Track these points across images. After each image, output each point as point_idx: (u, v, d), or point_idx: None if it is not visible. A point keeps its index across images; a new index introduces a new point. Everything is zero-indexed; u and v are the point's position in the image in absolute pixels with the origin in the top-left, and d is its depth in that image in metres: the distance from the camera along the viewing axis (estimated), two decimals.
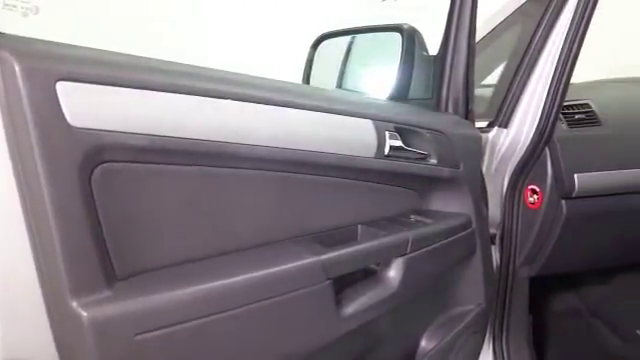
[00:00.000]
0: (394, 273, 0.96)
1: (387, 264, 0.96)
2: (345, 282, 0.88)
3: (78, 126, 0.61)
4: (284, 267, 0.77)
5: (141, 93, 0.66)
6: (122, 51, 0.71)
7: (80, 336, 0.60)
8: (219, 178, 0.77)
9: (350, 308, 0.87)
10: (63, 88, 0.60)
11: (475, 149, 1.23)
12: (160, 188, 0.70)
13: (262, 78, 0.85)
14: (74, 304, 0.60)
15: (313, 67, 1.35)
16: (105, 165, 0.64)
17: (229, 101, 0.75)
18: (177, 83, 0.70)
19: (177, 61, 0.75)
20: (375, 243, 0.92)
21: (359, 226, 0.99)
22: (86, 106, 0.62)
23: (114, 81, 0.64)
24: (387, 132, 0.97)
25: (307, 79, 1.36)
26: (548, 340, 1.86)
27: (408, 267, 0.97)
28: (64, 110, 0.60)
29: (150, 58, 0.73)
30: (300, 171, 0.86)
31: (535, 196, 1.40)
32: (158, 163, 0.69)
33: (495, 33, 1.65)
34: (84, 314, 0.60)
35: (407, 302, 1.01)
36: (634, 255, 1.70)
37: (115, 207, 0.65)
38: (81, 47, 0.67)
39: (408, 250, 0.97)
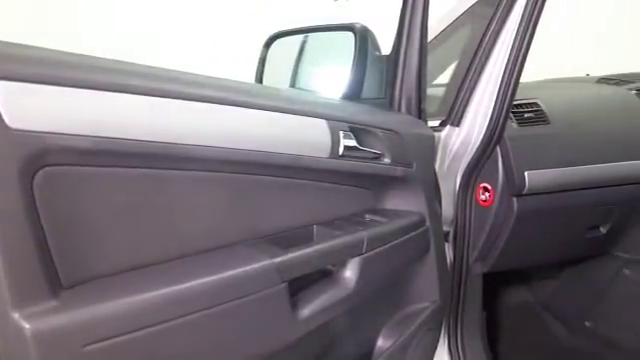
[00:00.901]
0: (350, 273, 0.95)
1: (343, 264, 0.96)
2: (301, 284, 0.87)
3: (18, 128, 0.58)
4: (238, 271, 0.76)
5: (85, 93, 0.63)
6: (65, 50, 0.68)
7: (24, 349, 0.57)
8: (168, 180, 0.74)
9: (306, 310, 0.86)
10: (2, 88, 0.57)
11: (428, 148, 1.24)
12: (106, 192, 0.68)
13: (212, 77, 0.83)
14: (16, 315, 0.57)
15: (266, 66, 1.34)
16: (48, 169, 0.61)
17: (178, 101, 0.73)
18: (124, 83, 0.67)
19: (124, 60, 0.73)
20: (331, 244, 0.92)
21: (314, 227, 0.98)
22: (26, 107, 0.58)
23: (56, 80, 0.61)
24: (341, 132, 0.97)
25: (260, 78, 1.34)
26: (501, 333, 1.90)
27: (364, 267, 0.96)
28: (2, 111, 0.57)
29: (95, 57, 0.70)
30: (253, 172, 0.85)
31: (487, 194, 1.43)
32: (104, 166, 0.67)
33: (446, 33, 1.67)
34: (27, 326, 0.57)
35: (363, 302, 1.01)
36: (581, 250, 1.75)
37: (59, 212, 0.63)
38: (20, 45, 0.63)
39: (364, 250, 0.97)
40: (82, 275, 0.65)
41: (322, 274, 0.95)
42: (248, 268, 0.77)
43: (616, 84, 1.84)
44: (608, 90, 1.81)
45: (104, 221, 0.68)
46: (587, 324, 1.92)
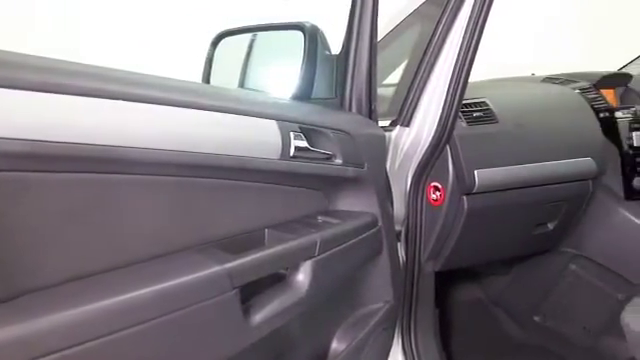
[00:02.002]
0: (303, 276, 0.94)
1: (296, 268, 0.94)
2: (253, 289, 0.85)
3: None
4: (186, 278, 0.73)
5: (18, 94, 0.59)
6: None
7: None
8: (110, 185, 0.71)
9: (259, 316, 0.84)
10: None
11: (379, 148, 1.23)
12: (41, 199, 0.63)
13: (156, 77, 0.80)
14: None
15: (213, 66, 1.31)
16: None
17: (120, 102, 0.69)
18: (60, 82, 0.64)
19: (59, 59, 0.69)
20: (283, 247, 0.90)
21: (266, 230, 0.96)
22: None
23: None
24: (292, 133, 0.95)
25: (207, 78, 1.31)
26: (454, 331, 1.92)
27: (317, 269, 0.95)
28: None
29: (27, 55, 0.66)
30: (201, 175, 0.82)
31: (438, 193, 1.44)
32: (40, 171, 0.63)
33: (395, 33, 1.67)
34: None
35: (317, 304, 0.99)
36: (530, 246, 1.78)
37: None
38: None
39: (316, 252, 0.95)
40: (18, 287, 0.61)
41: (275, 278, 0.93)
42: (197, 275, 0.74)
43: (561, 83, 1.89)
44: (553, 89, 1.85)
45: (41, 230, 0.64)
46: (536, 319, 1.97)
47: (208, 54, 1.31)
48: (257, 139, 0.90)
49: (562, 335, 1.91)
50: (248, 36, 1.36)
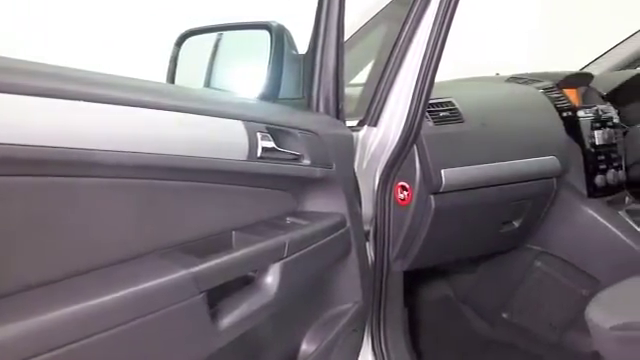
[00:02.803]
0: (272, 279, 0.92)
1: (264, 270, 0.93)
2: (220, 293, 0.84)
3: None
4: (152, 283, 0.71)
5: None
6: None
7: None
8: (72, 189, 0.68)
9: (227, 320, 0.83)
10: None
11: (347, 148, 1.23)
12: (3, 203, 0.61)
13: (119, 77, 0.78)
14: None
15: (178, 65, 1.29)
16: None
17: (81, 102, 0.67)
18: (15, 82, 0.61)
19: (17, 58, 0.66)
20: (251, 249, 0.89)
21: (233, 232, 0.94)
22: None
23: None
24: (259, 133, 0.94)
25: (172, 78, 1.28)
26: (423, 329, 1.93)
27: (286, 271, 0.94)
28: None
29: None
30: (165, 177, 0.80)
31: (405, 192, 1.44)
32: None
33: (361, 34, 1.67)
34: None
35: (286, 307, 0.98)
36: (497, 244, 1.80)
37: None
38: None
39: (285, 254, 0.94)
40: None
41: (243, 281, 0.92)
42: (162, 280, 0.73)
43: (525, 83, 1.91)
44: (518, 89, 1.88)
45: (2, 235, 0.61)
46: (504, 315, 1.99)
47: (172, 53, 1.29)
48: (223, 140, 0.88)
49: (529, 331, 1.93)
50: (213, 35, 1.34)
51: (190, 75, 1.33)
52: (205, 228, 0.89)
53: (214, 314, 0.81)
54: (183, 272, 0.75)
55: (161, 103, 0.78)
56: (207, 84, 1.32)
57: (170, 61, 1.29)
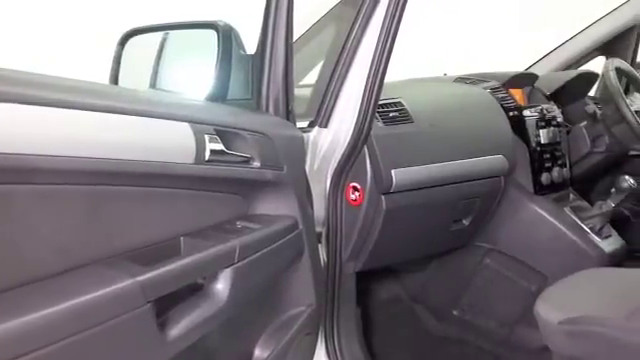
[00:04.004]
0: (222, 285, 0.90)
1: (214, 276, 0.90)
2: (168, 301, 0.81)
3: None
4: (95, 294, 0.68)
5: None
6: None
7: None
8: (7, 196, 0.65)
9: (175, 330, 0.80)
10: None
11: (298, 150, 1.22)
12: None
13: (57, 77, 0.74)
14: None
15: (121, 66, 1.24)
16: None
17: (16, 105, 0.63)
18: None
19: None
20: (200, 255, 0.86)
21: (181, 238, 0.92)
22: None
23: None
24: (207, 135, 0.91)
25: (115, 79, 1.24)
26: (376, 329, 1.93)
27: (237, 277, 0.92)
28: None
29: None
30: (108, 182, 0.77)
31: (357, 193, 1.44)
32: None
33: (309, 34, 1.66)
34: None
35: (238, 313, 0.96)
36: (447, 242, 1.82)
37: None
38: None
39: (236, 259, 0.92)
40: None
41: (192, 289, 0.89)
42: (107, 290, 0.70)
43: (472, 83, 1.94)
44: (465, 89, 1.90)
45: None
46: (455, 312, 2.01)
47: (116, 53, 1.24)
48: (169, 143, 0.86)
49: (480, 327, 1.96)
50: (159, 35, 1.30)
51: (134, 76, 1.29)
52: (152, 235, 0.86)
53: (162, 324, 0.78)
54: (129, 281, 0.72)
55: (103, 105, 0.75)
56: (152, 85, 1.28)
57: (113, 61, 1.25)
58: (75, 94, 0.73)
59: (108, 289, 0.69)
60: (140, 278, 0.73)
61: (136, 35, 1.27)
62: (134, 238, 0.83)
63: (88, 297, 0.67)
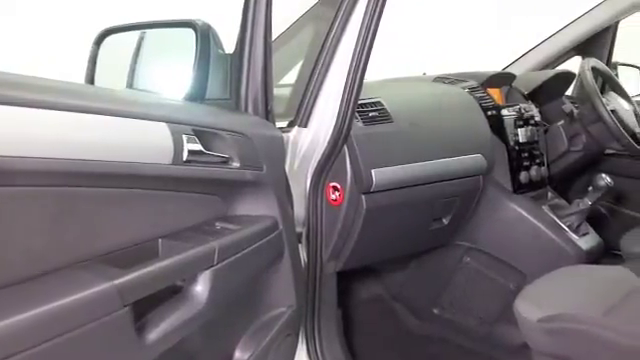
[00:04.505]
0: (202, 287, 0.89)
1: (193, 279, 0.89)
2: (147, 305, 0.79)
3: None
4: (71, 298, 0.66)
5: None
6: None
7: None
8: None
9: (154, 333, 0.79)
10: None
11: (277, 150, 1.21)
12: None
13: (31, 77, 0.72)
14: None
15: (97, 65, 1.22)
16: None
17: None
18: None
19: None
20: (178, 257, 0.85)
21: (159, 240, 0.90)
22: None
23: None
24: (185, 135, 0.90)
25: (91, 79, 1.22)
26: (356, 329, 1.93)
27: (217, 279, 0.91)
28: None
29: None
30: (84, 184, 0.75)
31: (337, 193, 1.43)
32: None
33: (289, 34, 1.66)
34: None
35: (217, 315, 0.95)
36: (427, 241, 1.83)
37: None
38: None
39: (215, 261, 0.91)
40: None
41: (171, 291, 0.88)
42: (83, 294, 0.68)
43: (451, 83, 1.95)
44: (444, 88, 1.91)
45: None
46: (435, 311, 2.02)
47: (91, 53, 1.22)
48: (146, 143, 0.84)
49: (460, 325, 1.97)
50: (136, 33, 1.29)
51: (111, 76, 1.27)
52: (129, 237, 0.85)
53: (140, 328, 0.77)
54: (105, 285, 0.70)
55: (79, 105, 0.74)
56: (129, 85, 1.27)
57: (89, 61, 1.23)
58: (49, 94, 0.72)
59: (84, 293, 0.68)
60: (117, 281, 0.72)
61: (112, 34, 1.25)
62: (111, 240, 0.82)
63: (63, 301, 0.66)
